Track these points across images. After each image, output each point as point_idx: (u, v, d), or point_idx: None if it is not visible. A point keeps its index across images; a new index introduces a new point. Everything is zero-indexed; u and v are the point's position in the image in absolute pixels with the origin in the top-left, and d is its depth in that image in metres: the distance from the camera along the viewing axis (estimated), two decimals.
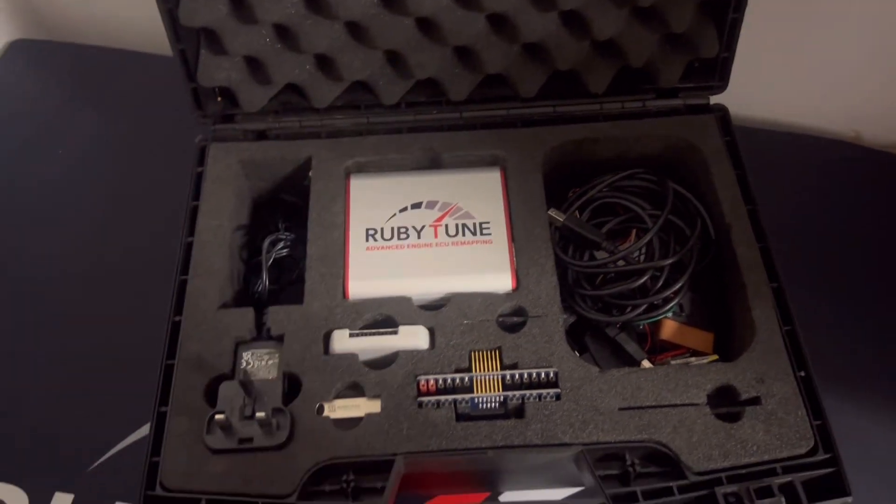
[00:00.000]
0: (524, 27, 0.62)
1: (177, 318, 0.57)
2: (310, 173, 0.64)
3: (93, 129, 0.84)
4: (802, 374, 0.54)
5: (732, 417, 0.53)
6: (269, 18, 0.62)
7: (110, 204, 0.78)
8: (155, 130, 0.82)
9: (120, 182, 0.80)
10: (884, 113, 0.81)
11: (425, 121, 0.67)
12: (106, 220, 0.77)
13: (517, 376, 0.54)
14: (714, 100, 0.68)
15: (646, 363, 0.58)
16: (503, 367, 0.55)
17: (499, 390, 0.54)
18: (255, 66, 0.65)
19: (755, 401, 0.53)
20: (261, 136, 0.67)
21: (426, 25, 0.64)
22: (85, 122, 0.84)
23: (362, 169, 0.66)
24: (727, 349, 0.59)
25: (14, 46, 0.92)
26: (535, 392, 0.54)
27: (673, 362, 0.58)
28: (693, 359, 0.59)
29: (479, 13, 0.62)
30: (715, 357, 0.59)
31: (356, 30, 0.64)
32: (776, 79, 0.80)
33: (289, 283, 0.63)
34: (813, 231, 0.74)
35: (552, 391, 0.54)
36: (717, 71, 0.65)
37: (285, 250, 0.64)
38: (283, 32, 0.64)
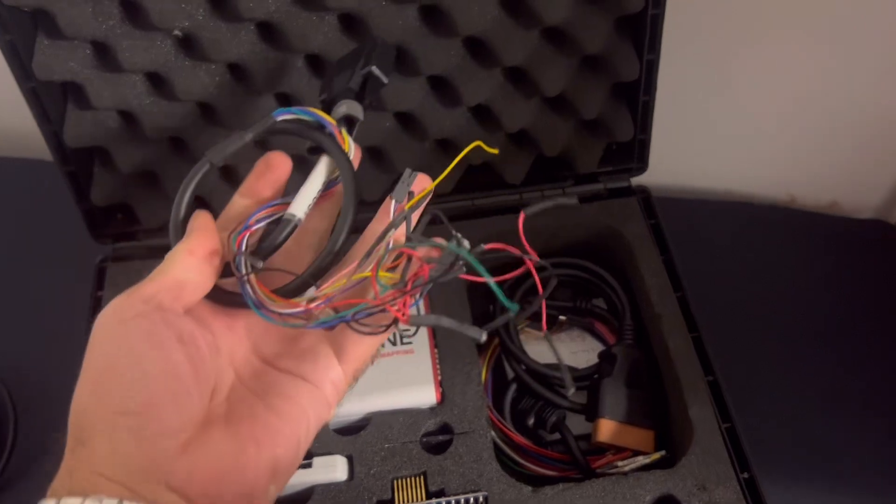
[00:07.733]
0: (432, 125, 0.60)
1: None
2: None
3: None
4: (746, 475, 0.51)
5: None
6: (164, 133, 0.59)
7: None
8: (46, 245, 0.70)
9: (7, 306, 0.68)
10: (817, 174, 0.80)
11: None
12: None
13: None
14: (638, 180, 0.66)
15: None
16: (428, 496, 0.51)
17: None
18: (152, 179, 0.62)
19: None
20: (166, 252, 0.63)
21: None
22: None
23: None
24: (668, 446, 0.56)
25: None
26: None
27: (620, 464, 0.55)
28: (640, 457, 0.55)
29: (384, 112, 0.60)
30: (661, 454, 0.55)
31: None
32: (705, 147, 0.78)
33: None
34: (752, 300, 0.72)
35: None
36: (636, 153, 0.63)
37: None
38: (179, 144, 0.60)
